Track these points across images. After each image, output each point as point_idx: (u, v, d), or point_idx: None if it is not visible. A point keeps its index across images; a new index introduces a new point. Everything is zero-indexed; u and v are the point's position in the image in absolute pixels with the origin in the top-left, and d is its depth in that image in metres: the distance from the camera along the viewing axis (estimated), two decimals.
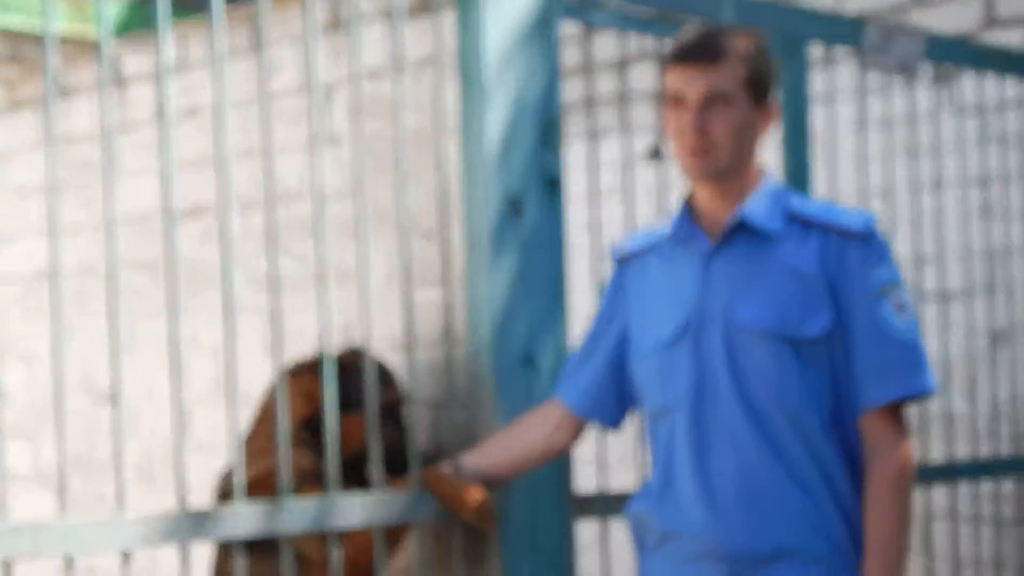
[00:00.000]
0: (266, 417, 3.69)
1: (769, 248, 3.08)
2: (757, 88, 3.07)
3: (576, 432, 3.42)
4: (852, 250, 3.04)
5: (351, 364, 3.58)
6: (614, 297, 3.33)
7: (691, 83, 3.04)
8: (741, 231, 3.09)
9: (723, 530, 3.05)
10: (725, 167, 3.06)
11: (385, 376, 3.68)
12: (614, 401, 3.34)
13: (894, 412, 3.05)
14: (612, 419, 3.37)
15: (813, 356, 3.03)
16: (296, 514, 3.27)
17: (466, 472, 3.47)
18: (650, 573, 3.21)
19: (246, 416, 3.92)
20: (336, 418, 3.38)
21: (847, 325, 3.03)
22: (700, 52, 3.05)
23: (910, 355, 3.04)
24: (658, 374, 3.15)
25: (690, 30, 3.11)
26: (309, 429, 3.61)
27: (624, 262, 3.33)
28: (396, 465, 3.58)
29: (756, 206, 3.09)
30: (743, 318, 3.05)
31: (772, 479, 3.03)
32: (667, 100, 3.09)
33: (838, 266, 3.04)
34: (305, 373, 3.60)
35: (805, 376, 3.02)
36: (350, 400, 3.50)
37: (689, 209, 3.16)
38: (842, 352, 3.04)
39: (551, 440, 3.40)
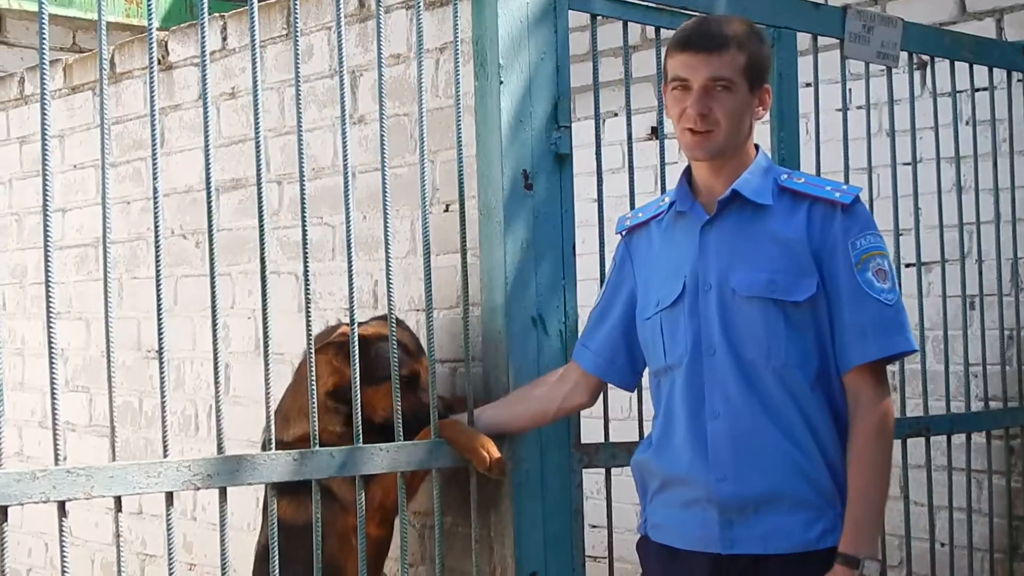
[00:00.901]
0: (300, 382, 3.67)
1: (760, 219, 3.07)
2: (754, 74, 3.06)
3: (592, 392, 3.43)
4: (836, 220, 3.03)
5: (377, 339, 3.55)
6: (621, 266, 3.33)
7: (694, 70, 3.03)
8: (734, 203, 3.09)
9: (714, 477, 3.04)
10: (723, 147, 3.06)
11: (411, 348, 3.65)
12: (626, 362, 3.34)
13: (876, 370, 3.03)
14: (624, 380, 3.38)
15: (799, 318, 3.02)
16: (325, 461, 3.26)
17: (482, 424, 3.47)
18: (652, 517, 3.21)
19: (279, 372, 3.90)
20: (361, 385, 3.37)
21: (832, 290, 3.02)
22: (703, 41, 3.04)
23: (891, 317, 3.02)
24: (660, 334, 3.16)
25: (693, 19, 3.09)
26: (334, 398, 3.59)
27: (628, 234, 3.32)
28: (420, 429, 3.55)
29: (749, 181, 3.08)
30: (735, 283, 3.04)
31: (760, 429, 3.02)
32: (670, 85, 3.07)
33: (823, 235, 3.03)
34: (330, 348, 3.57)
35: (791, 336, 3.02)
36: (377, 374, 3.48)
37: (688, 184, 3.16)
38: (827, 315, 3.03)
39: (568, 398, 3.42)
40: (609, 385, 3.53)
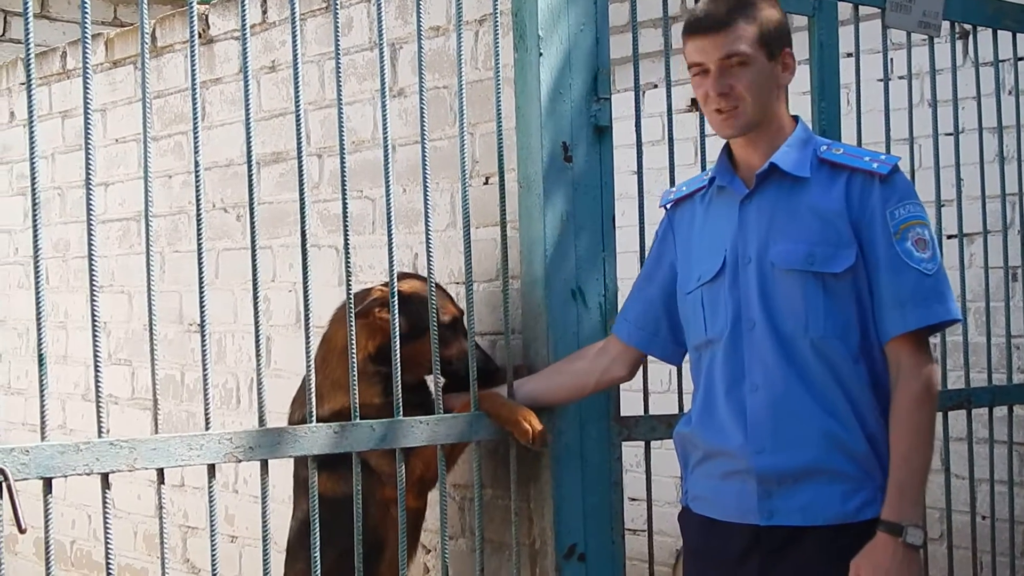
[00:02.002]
0: (331, 353, 3.65)
1: (798, 192, 3.06)
2: (770, 41, 3.04)
3: (632, 366, 3.44)
4: (875, 191, 3.01)
5: (411, 294, 3.55)
6: (664, 239, 3.33)
7: (707, 52, 3.03)
8: (773, 177, 3.08)
9: (753, 449, 3.04)
10: (752, 121, 3.06)
11: (443, 295, 3.66)
12: (668, 335, 3.34)
13: (917, 339, 3.01)
14: (667, 352, 3.38)
15: (838, 289, 3.01)
16: (366, 434, 3.27)
17: (521, 396, 3.47)
18: (693, 488, 3.22)
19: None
20: (399, 351, 3.36)
21: (871, 260, 3.01)
22: (709, 23, 3.04)
23: (931, 287, 2.99)
24: (701, 308, 3.15)
25: (700, 2, 3.09)
26: (376, 361, 3.58)
27: (672, 208, 3.32)
28: (478, 374, 3.54)
29: (787, 154, 3.07)
30: (774, 256, 3.04)
31: (798, 402, 3.02)
32: (691, 71, 3.07)
33: (861, 206, 3.01)
34: (375, 304, 3.56)
35: (830, 308, 3.01)
36: (418, 327, 3.48)
37: (728, 158, 3.15)
38: (867, 286, 3.02)
39: (607, 372, 3.43)
40: (649, 358, 3.53)
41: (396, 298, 3.34)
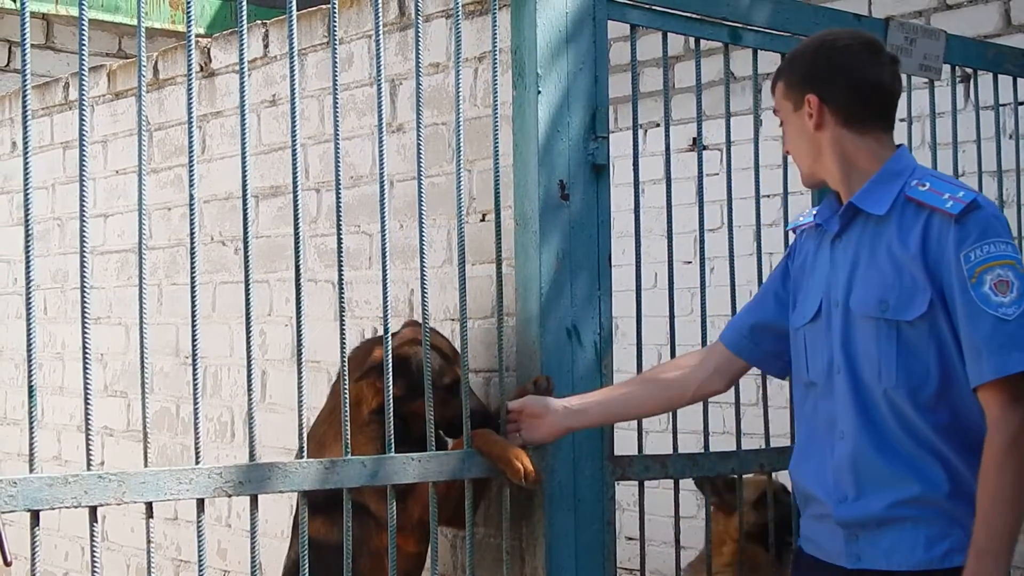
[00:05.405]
0: (335, 411, 3.63)
1: (880, 232, 2.98)
2: (794, 92, 3.04)
3: (731, 379, 3.38)
4: (950, 233, 2.87)
5: (410, 357, 3.53)
6: (785, 262, 3.30)
7: None
8: (858, 217, 3.02)
9: (836, 497, 3.01)
10: (808, 176, 3.09)
11: (449, 354, 3.65)
12: (773, 349, 3.28)
13: (1004, 388, 2.83)
14: (772, 366, 3.33)
15: (913, 337, 2.91)
16: (356, 470, 3.26)
17: (599, 407, 3.43)
18: (804, 529, 3.18)
19: (315, 380, 3.90)
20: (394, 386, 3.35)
21: (951, 307, 2.88)
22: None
23: (1010, 333, 2.81)
24: (804, 349, 3.12)
25: None
26: (379, 414, 3.55)
27: (799, 234, 3.28)
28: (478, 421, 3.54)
29: (869, 192, 3.00)
30: (853, 301, 2.99)
31: (878, 451, 2.95)
32: None
33: (939, 249, 2.88)
34: (373, 371, 3.53)
35: (904, 356, 2.92)
36: (418, 390, 3.45)
37: (836, 195, 3.11)
38: (951, 331, 2.89)
39: (705, 385, 3.37)
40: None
41: (389, 348, 3.33)
